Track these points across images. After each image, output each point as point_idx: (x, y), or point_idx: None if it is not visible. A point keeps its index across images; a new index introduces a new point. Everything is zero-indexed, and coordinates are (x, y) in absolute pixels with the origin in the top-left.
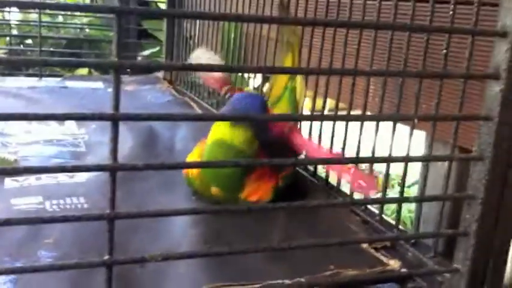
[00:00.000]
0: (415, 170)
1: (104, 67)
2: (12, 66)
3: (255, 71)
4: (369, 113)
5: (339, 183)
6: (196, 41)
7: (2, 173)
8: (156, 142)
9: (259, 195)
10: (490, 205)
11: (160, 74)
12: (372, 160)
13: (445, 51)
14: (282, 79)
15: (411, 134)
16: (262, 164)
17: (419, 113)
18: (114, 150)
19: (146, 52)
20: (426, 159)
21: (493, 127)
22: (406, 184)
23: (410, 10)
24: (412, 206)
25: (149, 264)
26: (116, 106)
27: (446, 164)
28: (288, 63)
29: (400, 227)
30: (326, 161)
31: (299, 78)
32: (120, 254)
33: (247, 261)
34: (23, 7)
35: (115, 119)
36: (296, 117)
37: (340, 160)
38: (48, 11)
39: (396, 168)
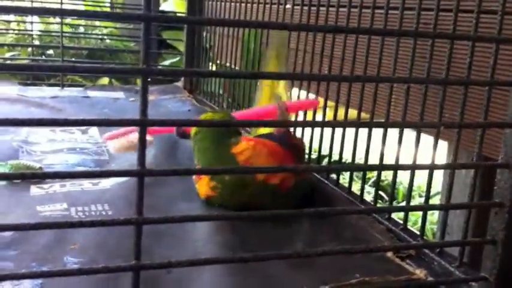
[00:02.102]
0: (436, 182)
1: (132, 73)
2: (34, 76)
3: (276, 77)
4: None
5: (362, 192)
6: (216, 51)
7: (31, 178)
8: (177, 151)
9: (280, 177)
10: None
11: (180, 84)
12: (397, 167)
13: (469, 59)
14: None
15: (436, 143)
16: (283, 171)
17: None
18: (142, 156)
19: (166, 62)
20: (452, 167)
21: None
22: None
23: (432, 20)
24: (434, 217)
25: (174, 270)
26: (144, 111)
27: (471, 173)
28: (270, 68)
29: (424, 237)
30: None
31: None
32: (145, 260)
33: (271, 268)
34: (50, 14)
35: (144, 124)
36: (319, 124)
37: (363, 167)
38: (69, 21)
39: (417, 179)
